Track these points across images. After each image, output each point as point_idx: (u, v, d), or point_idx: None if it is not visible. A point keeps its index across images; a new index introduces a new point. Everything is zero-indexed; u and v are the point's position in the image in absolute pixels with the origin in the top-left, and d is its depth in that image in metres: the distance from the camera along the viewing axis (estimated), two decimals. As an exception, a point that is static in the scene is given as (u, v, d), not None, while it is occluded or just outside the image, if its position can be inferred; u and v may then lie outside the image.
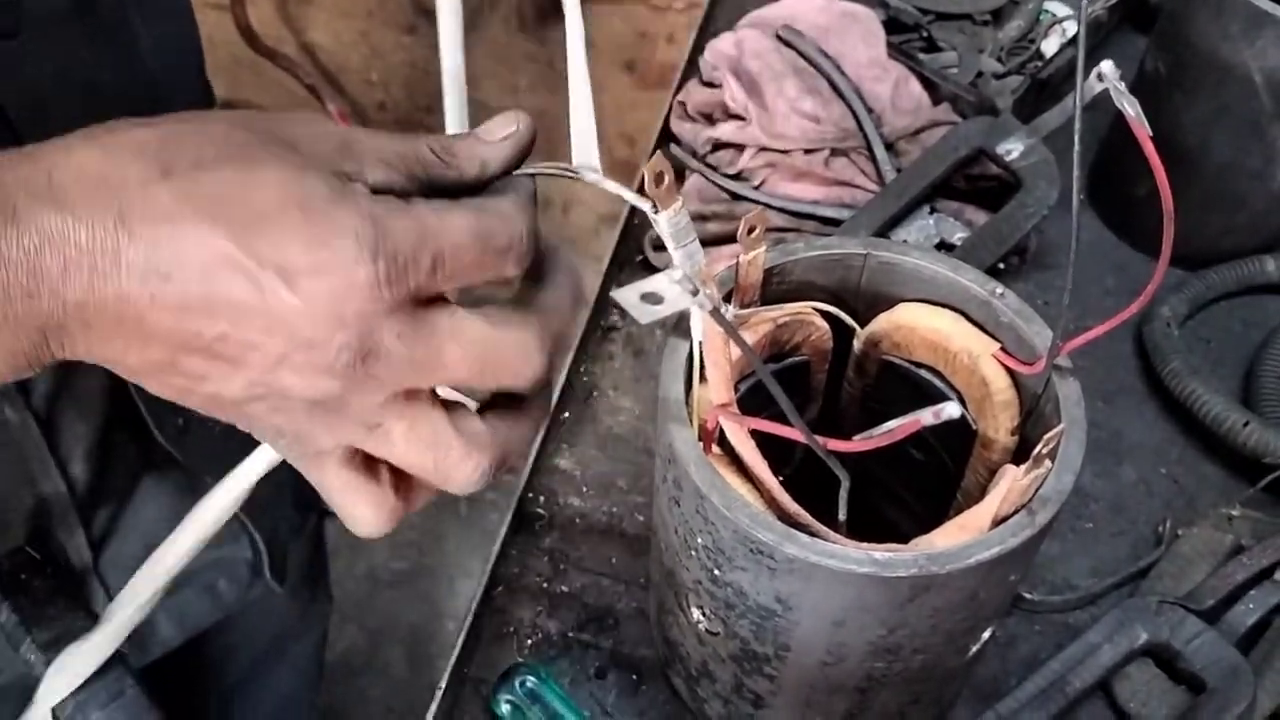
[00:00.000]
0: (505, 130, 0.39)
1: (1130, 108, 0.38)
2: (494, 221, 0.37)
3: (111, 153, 0.35)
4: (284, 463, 0.73)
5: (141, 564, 0.63)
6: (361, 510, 0.40)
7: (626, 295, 0.36)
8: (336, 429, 0.37)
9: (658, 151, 0.44)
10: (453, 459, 0.38)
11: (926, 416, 0.39)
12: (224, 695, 0.85)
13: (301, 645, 0.94)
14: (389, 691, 1.60)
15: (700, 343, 0.47)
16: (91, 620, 0.56)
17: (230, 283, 0.34)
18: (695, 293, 0.36)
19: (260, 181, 0.34)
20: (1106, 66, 0.39)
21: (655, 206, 0.41)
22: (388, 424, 0.37)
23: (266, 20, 1.62)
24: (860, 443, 0.42)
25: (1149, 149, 0.39)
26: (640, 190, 0.41)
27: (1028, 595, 0.63)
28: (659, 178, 0.40)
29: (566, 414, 0.71)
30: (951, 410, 0.40)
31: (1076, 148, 0.39)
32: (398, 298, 0.35)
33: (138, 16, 0.56)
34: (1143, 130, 0.38)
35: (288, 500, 0.77)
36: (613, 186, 0.41)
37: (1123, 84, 0.39)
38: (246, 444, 0.68)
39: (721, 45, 0.82)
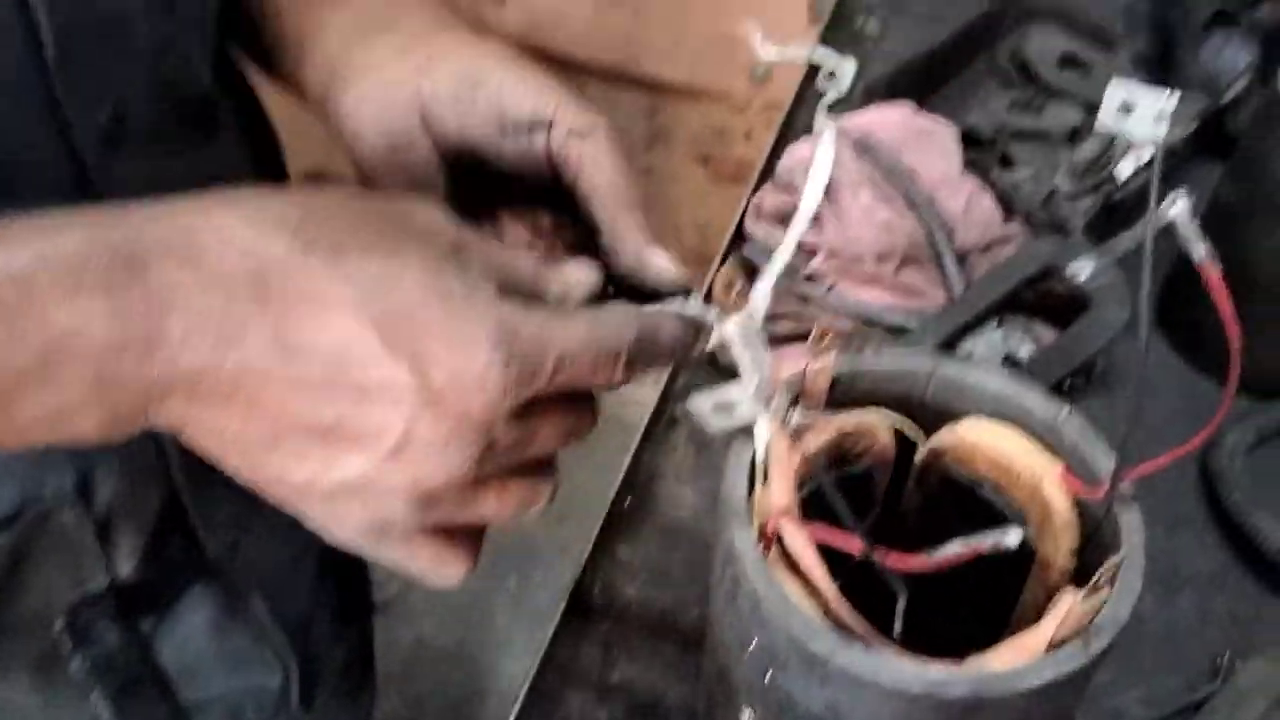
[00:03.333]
0: (582, 278, 0.43)
1: (1199, 251, 0.39)
2: (607, 331, 0.39)
3: (255, 222, 0.35)
4: (331, 573, 0.74)
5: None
6: (448, 571, 0.41)
7: (700, 405, 0.37)
8: (428, 515, 0.38)
9: (728, 260, 0.46)
10: (535, 505, 0.41)
11: (986, 544, 0.40)
12: None
13: None
14: (426, 763, 1.60)
15: (764, 447, 0.48)
16: (154, 671, 0.58)
17: (361, 367, 0.35)
18: (768, 406, 0.37)
19: (401, 271, 0.35)
20: (1178, 209, 0.40)
21: (723, 314, 0.42)
22: (480, 498, 0.38)
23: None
24: (920, 562, 0.43)
25: (1217, 290, 0.40)
26: (708, 297, 0.43)
27: (1079, 720, 0.62)
28: (729, 286, 0.42)
29: (628, 502, 0.72)
30: (1010, 540, 0.40)
31: (1145, 286, 0.40)
32: (521, 400, 0.36)
33: (230, 124, 0.58)
34: (1212, 273, 0.39)
35: (327, 618, 0.77)
36: (672, 304, 0.43)
37: (1194, 224, 0.40)
38: (295, 562, 0.69)
39: (800, 151, 0.84)
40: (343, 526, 0.39)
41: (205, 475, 0.57)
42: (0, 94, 0.42)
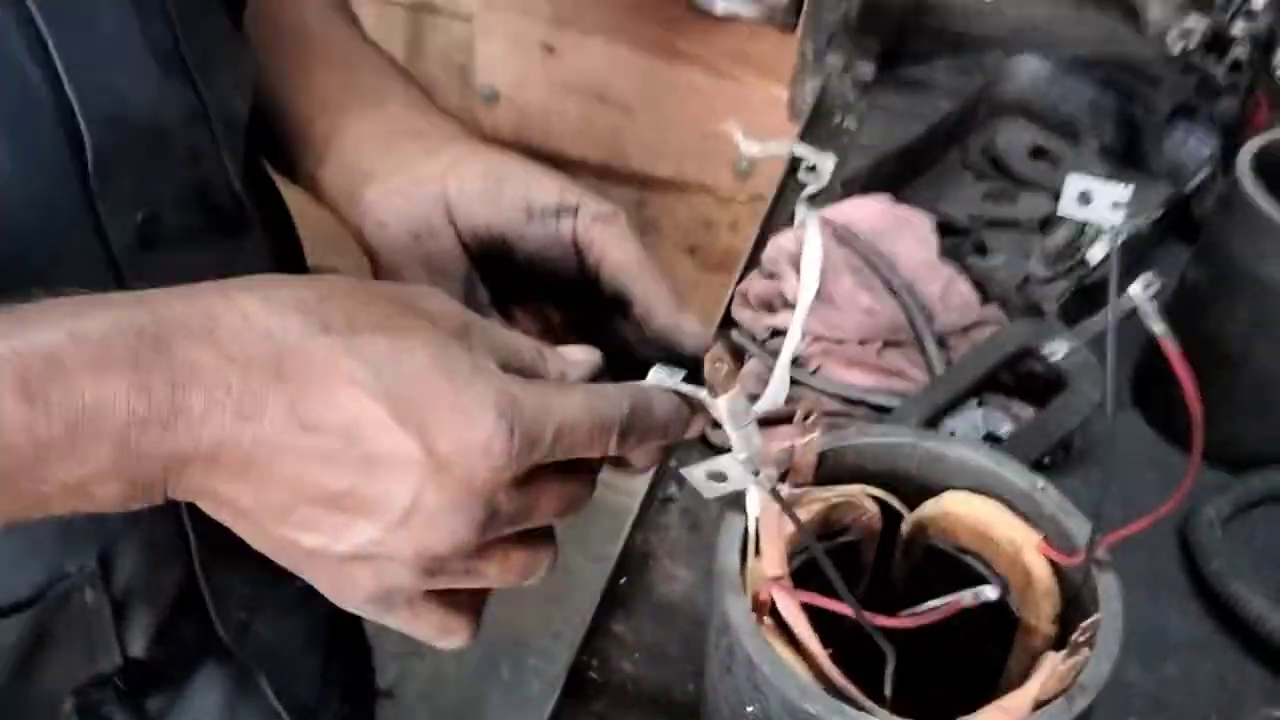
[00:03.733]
0: (581, 359, 0.46)
1: (1158, 327, 0.42)
2: (604, 402, 0.42)
3: (273, 304, 0.38)
4: (339, 655, 0.76)
5: None
6: (453, 636, 0.43)
7: (695, 473, 0.40)
8: (433, 581, 0.40)
9: (717, 340, 0.50)
10: (536, 573, 0.43)
11: (966, 598, 0.42)
12: None
13: None
14: None
15: (757, 518, 0.50)
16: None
17: (371, 439, 0.37)
18: (757, 473, 0.40)
19: (409, 349, 0.38)
20: (1136, 288, 0.43)
21: (714, 392, 0.45)
22: (483, 564, 0.40)
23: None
24: (905, 619, 0.45)
25: (1176, 362, 0.43)
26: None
27: (1070, 787, 0.63)
28: (718, 365, 0.45)
29: (623, 580, 0.74)
30: (989, 593, 0.43)
31: (1111, 366, 0.43)
32: (522, 468, 0.39)
33: (256, 225, 0.61)
34: (1173, 349, 0.42)
35: (337, 694, 0.78)
36: (671, 382, 0.46)
37: (1153, 304, 0.43)
38: (305, 646, 0.71)
39: (783, 241, 0.88)
40: (353, 593, 0.41)
41: (222, 555, 0.59)
42: (43, 198, 0.45)
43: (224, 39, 0.55)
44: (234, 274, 0.53)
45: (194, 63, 0.51)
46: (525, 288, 0.56)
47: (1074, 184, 0.44)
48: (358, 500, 0.38)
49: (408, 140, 0.56)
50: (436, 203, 0.53)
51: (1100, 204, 0.44)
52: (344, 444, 0.37)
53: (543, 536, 0.44)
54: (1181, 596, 0.74)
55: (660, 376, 0.45)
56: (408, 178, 0.54)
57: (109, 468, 0.37)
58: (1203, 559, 0.74)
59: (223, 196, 0.55)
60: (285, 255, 0.68)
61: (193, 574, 0.58)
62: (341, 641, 0.76)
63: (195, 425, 0.36)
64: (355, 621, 0.82)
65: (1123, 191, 0.44)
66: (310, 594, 0.72)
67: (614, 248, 0.52)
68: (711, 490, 0.40)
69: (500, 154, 0.56)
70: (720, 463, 0.40)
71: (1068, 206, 0.44)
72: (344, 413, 0.37)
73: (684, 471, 0.40)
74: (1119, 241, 0.55)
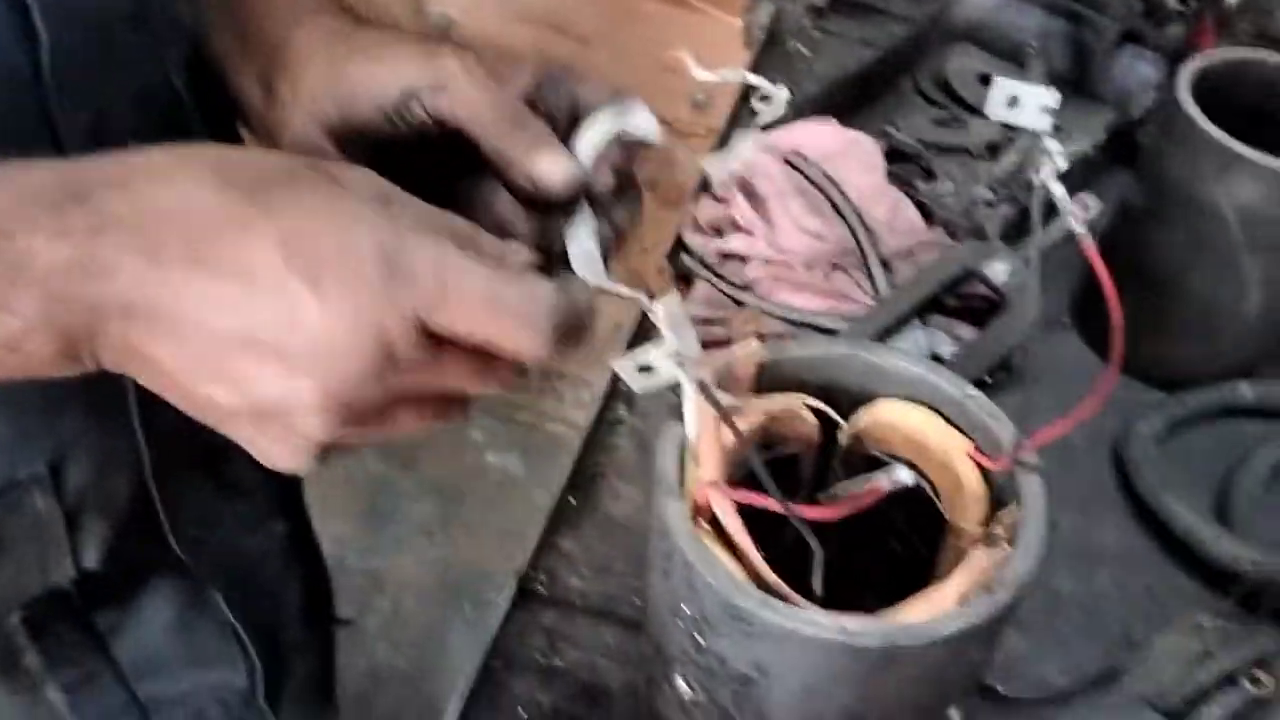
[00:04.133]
0: (518, 248, 0.45)
1: (1074, 222, 0.43)
2: (511, 289, 0.40)
3: (186, 162, 0.40)
4: (297, 578, 0.76)
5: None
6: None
7: (624, 364, 0.40)
8: (347, 432, 0.40)
9: (658, 251, 0.49)
10: (451, 422, 0.43)
11: (884, 483, 0.44)
12: None
13: None
14: (384, 788, 1.60)
15: (693, 424, 0.51)
16: (112, 666, 0.59)
17: (264, 285, 0.38)
18: (685, 366, 0.40)
19: (307, 200, 0.39)
20: (1061, 190, 0.44)
21: (651, 295, 0.45)
22: (397, 413, 0.41)
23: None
24: (830, 510, 0.46)
25: (1091, 255, 0.44)
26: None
27: (1001, 689, 0.65)
28: (659, 272, 0.45)
29: (572, 499, 0.75)
30: (904, 476, 0.44)
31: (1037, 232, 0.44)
32: (411, 315, 0.39)
33: (203, 134, 0.60)
34: (1087, 240, 0.43)
35: (295, 616, 0.79)
36: (609, 285, 0.46)
37: (1077, 207, 0.44)
38: (261, 561, 0.71)
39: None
40: (275, 451, 0.41)
41: (175, 468, 0.59)
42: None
43: None
44: None
45: None
46: (440, 181, 0.54)
47: (1002, 88, 0.45)
48: (259, 349, 0.38)
49: (289, 73, 0.53)
50: (316, 134, 0.52)
51: (1029, 107, 0.45)
52: (240, 288, 0.38)
53: (458, 398, 0.44)
54: (1115, 511, 0.76)
55: (577, 241, 0.45)
56: (289, 119, 0.52)
57: (36, 320, 0.38)
58: (1136, 474, 0.76)
59: (166, 98, 0.55)
60: None
61: (145, 485, 0.59)
62: (299, 562, 0.77)
63: (111, 271, 0.38)
64: (313, 543, 0.82)
65: (1050, 95, 0.45)
66: (268, 511, 0.73)
67: (458, 114, 0.49)
68: (640, 383, 0.41)
69: (346, 57, 0.51)
70: (649, 354, 0.41)
71: (996, 110, 0.45)
72: (240, 259, 0.38)
73: (612, 363, 0.41)
74: (1059, 161, 0.56)
